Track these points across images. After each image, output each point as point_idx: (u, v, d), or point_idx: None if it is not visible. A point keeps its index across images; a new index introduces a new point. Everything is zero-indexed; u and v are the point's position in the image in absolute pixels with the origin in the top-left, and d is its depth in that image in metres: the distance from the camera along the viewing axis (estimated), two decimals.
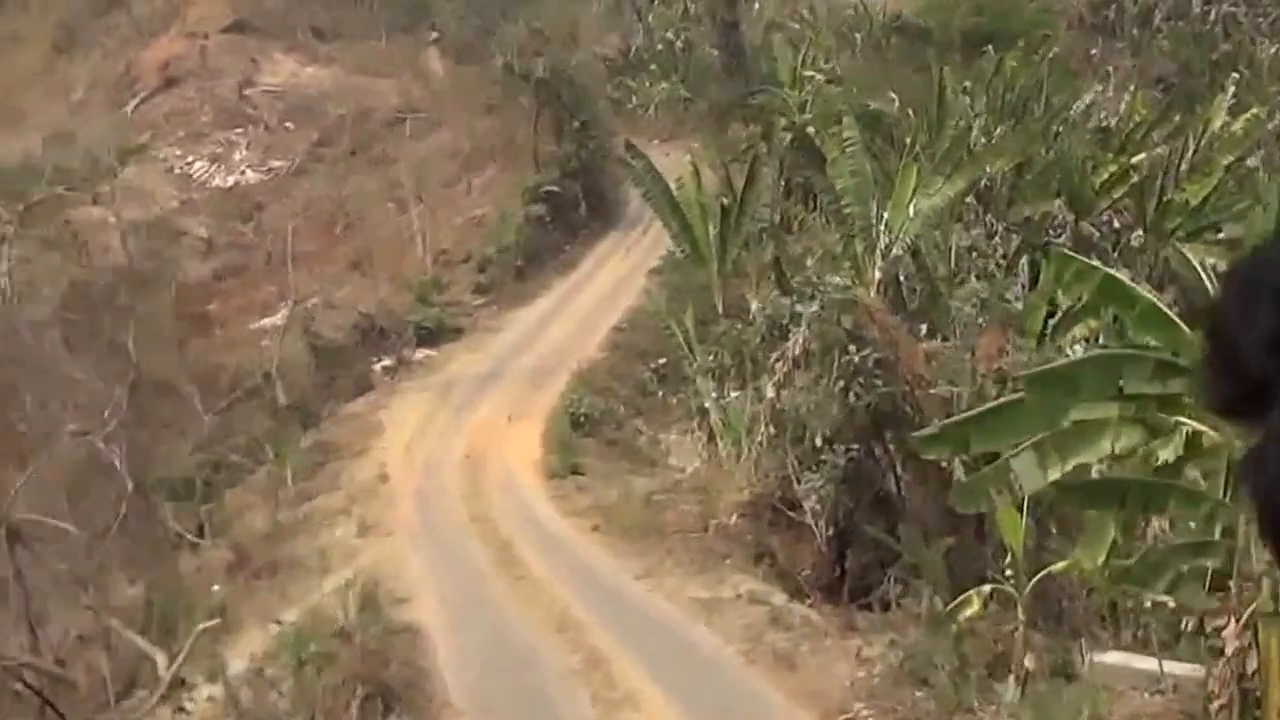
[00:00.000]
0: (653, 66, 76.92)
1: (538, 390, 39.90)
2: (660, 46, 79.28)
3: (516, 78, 55.42)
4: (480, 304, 49.22)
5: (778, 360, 24.70)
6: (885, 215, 31.93)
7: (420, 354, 44.88)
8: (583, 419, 36.71)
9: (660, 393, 39.82)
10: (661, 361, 40.81)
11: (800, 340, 24.02)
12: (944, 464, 21.61)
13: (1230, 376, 1.61)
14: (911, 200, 30.89)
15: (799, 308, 24.96)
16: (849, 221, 33.17)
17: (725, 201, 35.34)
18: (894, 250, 31.69)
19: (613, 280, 50.16)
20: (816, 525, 23.81)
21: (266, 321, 53.07)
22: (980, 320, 26.29)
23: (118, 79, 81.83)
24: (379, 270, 54.88)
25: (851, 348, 23.13)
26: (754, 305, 34.58)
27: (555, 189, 53.62)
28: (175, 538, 35.19)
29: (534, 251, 51.69)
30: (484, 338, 45.98)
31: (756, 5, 77.84)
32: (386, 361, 44.31)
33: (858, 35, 68.10)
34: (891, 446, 23.78)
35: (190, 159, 74.96)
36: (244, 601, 28.26)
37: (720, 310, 34.93)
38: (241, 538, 32.71)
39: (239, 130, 76.32)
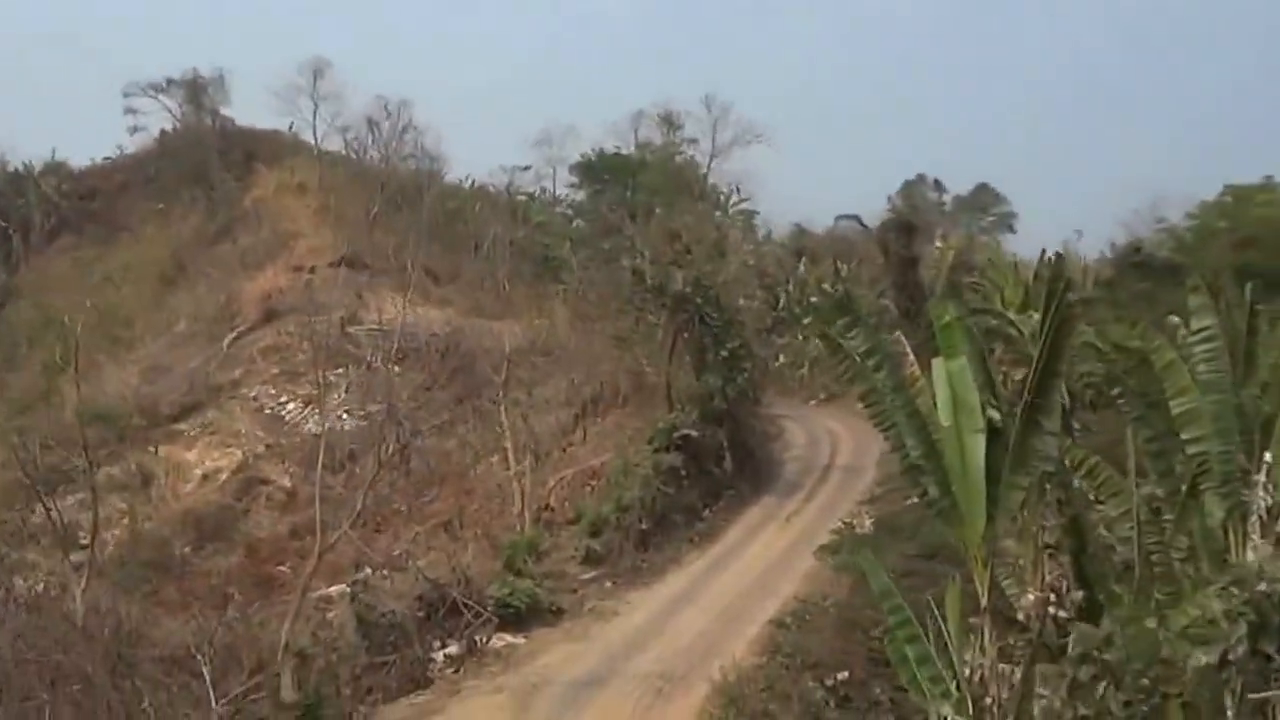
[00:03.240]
0: (806, 320, 63.99)
1: (663, 705, 25.63)
2: (815, 299, 66.55)
3: (650, 291, 42.07)
4: (589, 578, 35.07)
5: None
6: (1268, 459, 17.66)
7: (501, 640, 30.65)
8: None
9: None
10: (842, 676, 26.52)
11: None
12: None
13: None
14: None
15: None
16: (1191, 469, 19.07)
17: (996, 416, 20.36)
18: None
19: (768, 558, 35.85)
20: None
21: (334, 589, 39.95)
22: None
23: (219, 311, 71.96)
24: (469, 531, 41.40)
25: None
26: (1027, 600, 20.15)
27: (693, 433, 39.66)
28: None
29: (663, 514, 37.65)
30: (591, 624, 31.58)
31: (938, 244, 65.02)
32: (452, 648, 30.12)
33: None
34: None
35: (284, 399, 63.93)
36: None
37: (984, 604, 19.99)
38: None
39: (339, 370, 64.80)
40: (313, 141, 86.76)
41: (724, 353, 41.19)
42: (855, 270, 70.93)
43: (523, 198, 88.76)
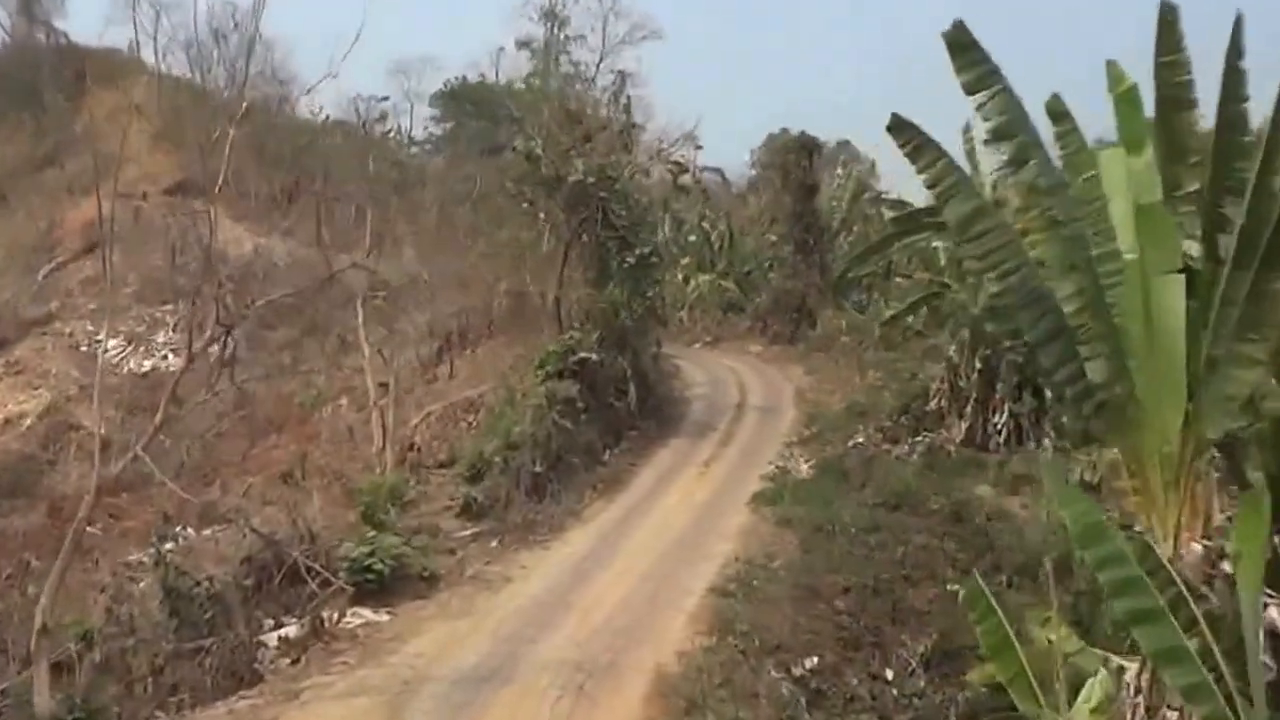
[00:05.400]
0: (685, 260, 56.20)
1: (588, 709, 17.56)
2: (693, 238, 58.75)
3: (544, 183, 32.98)
4: (469, 534, 26.33)
5: None
6: None
7: (357, 617, 21.82)
8: None
9: None
10: (811, 663, 19.22)
11: None
12: None
13: None
14: None
15: None
16: None
17: (1194, 255, 11.93)
18: None
19: (691, 510, 27.59)
20: None
21: (146, 555, 30.61)
22: None
23: (38, 240, 61.99)
24: (315, 481, 32.45)
25: None
26: (1191, 550, 12.14)
27: (592, 357, 30.94)
28: None
29: (559, 455, 28.93)
30: (476, 595, 22.83)
31: (839, 172, 57.52)
32: (290, 629, 21.23)
33: None
34: None
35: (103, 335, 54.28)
36: None
37: (1168, 557, 11.54)
38: None
39: (167, 305, 55.55)
40: (153, 58, 77.98)
41: (631, 259, 32.46)
42: (724, 218, 63.83)
43: (376, 135, 79.31)
